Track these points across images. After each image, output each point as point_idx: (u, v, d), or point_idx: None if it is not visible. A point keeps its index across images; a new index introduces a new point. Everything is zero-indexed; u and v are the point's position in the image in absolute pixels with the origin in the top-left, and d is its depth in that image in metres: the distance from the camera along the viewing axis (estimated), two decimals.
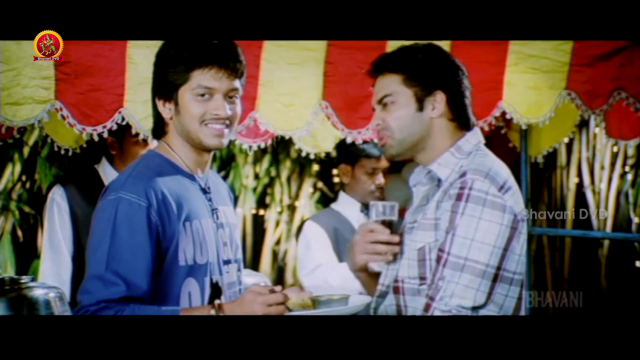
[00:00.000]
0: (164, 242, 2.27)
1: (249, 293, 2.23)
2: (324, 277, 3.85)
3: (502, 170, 2.34)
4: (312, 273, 3.92)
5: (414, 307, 2.34)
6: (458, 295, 2.23)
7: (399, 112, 2.38)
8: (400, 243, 2.39)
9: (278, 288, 2.25)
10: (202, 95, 2.32)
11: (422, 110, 2.38)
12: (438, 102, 2.38)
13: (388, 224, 2.42)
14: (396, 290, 2.39)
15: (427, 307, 2.26)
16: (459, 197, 2.27)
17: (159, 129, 2.41)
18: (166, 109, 2.36)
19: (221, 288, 2.38)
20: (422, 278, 2.32)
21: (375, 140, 3.78)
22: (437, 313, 2.23)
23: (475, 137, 2.42)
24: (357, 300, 2.41)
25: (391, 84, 2.40)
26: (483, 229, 2.24)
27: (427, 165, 2.41)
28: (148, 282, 2.23)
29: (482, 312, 2.24)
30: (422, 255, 2.32)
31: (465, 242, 2.24)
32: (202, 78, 2.31)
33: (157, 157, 2.39)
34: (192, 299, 2.32)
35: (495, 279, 2.25)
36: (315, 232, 4.00)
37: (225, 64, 2.32)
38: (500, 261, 2.26)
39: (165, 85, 2.34)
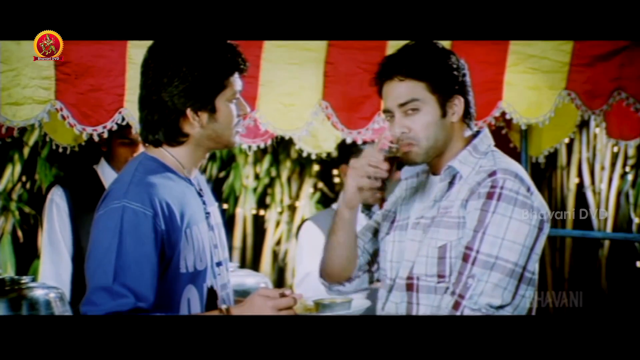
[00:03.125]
0: (168, 250, 2.21)
1: (258, 297, 2.20)
2: (315, 284, 3.83)
3: (526, 173, 2.37)
4: (301, 282, 3.91)
5: (427, 304, 2.34)
6: (487, 294, 2.23)
7: (425, 120, 2.36)
8: (389, 171, 2.34)
9: (288, 292, 2.23)
10: (235, 99, 2.33)
11: (445, 117, 2.38)
12: (457, 106, 2.38)
13: (388, 159, 2.37)
14: (409, 288, 2.38)
15: (457, 305, 2.25)
16: (489, 196, 2.27)
17: (172, 139, 2.31)
18: (195, 121, 2.28)
19: (216, 292, 2.36)
20: (441, 276, 2.32)
21: (376, 141, 3.80)
22: (467, 311, 2.23)
23: (487, 138, 2.44)
24: (359, 304, 2.41)
25: (415, 90, 2.37)
26: (514, 228, 2.25)
27: (438, 165, 2.40)
28: (154, 293, 2.17)
29: (501, 312, 2.25)
30: (443, 253, 2.32)
31: (496, 241, 2.24)
32: (236, 84, 2.32)
33: (153, 162, 2.31)
34: (191, 306, 2.28)
35: (521, 278, 2.26)
36: (311, 236, 3.98)
37: (245, 67, 2.34)
38: (526, 261, 2.27)
39: (201, 95, 2.26)
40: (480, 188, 2.30)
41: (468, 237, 2.28)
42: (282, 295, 2.20)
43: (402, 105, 2.38)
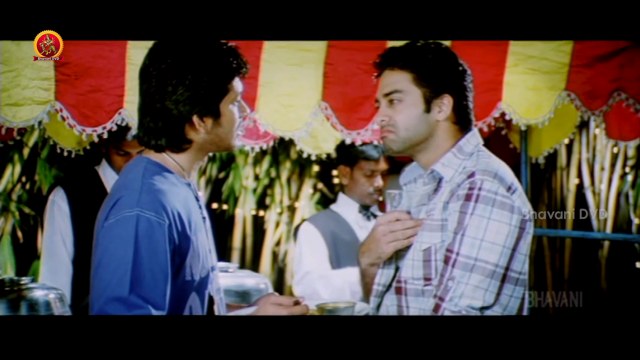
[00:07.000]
0: (177, 259, 2.19)
1: (272, 306, 2.22)
2: (312, 285, 3.84)
3: (508, 171, 2.35)
4: (301, 281, 3.91)
5: (417, 307, 2.34)
6: (468, 295, 2.23)
7: (407, 112, 2.38)
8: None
9: (302, 299, 2.24)
10: (237, 101, 2.32)
11: (429, 112, 2.39)
12: (445, 105, 2.39)
13: (408, 212, 2.44)
14: (398, 291, 2.39)
15: (437, 307, 2.26)
16: (468, 198, 2.27)
17: (176, 145, 2.28)
18: (201, 127, 2.25)
19: (213, 297, 2.34)
20: (427, 279, 2.32)
21: (375, 142, 3.81)
22: (447, 313, 2.23)
23: (475, 138, 2.43)
24: (362, 307, 2.41)
25: (400, 81, 2.39)
26: (493, 229, 2.25)
27: (428, 165, 2.41)
28: (168, 303, 2.15)
29: (488, 313, 2.24)
30: (428, 256, 2.33)
31: (475, 242, 2.24)
32: (237, 86, 2.31)
33: (157, 167, 2.27)
34: (193, 313, 2.26)
35: (503, 279, 2.26)
36: (310, 236, 3.98)
37: (246, 69, 2.33)
38: (509, 261, 2.26)
39: (207, 101, 2.24)
40: (460, 190, 2.30)
41: (449, 239, 2.28)
42: (297, 304, 2.21)
43: (386, 95, 2.41)
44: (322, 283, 3.81)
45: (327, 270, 3.88)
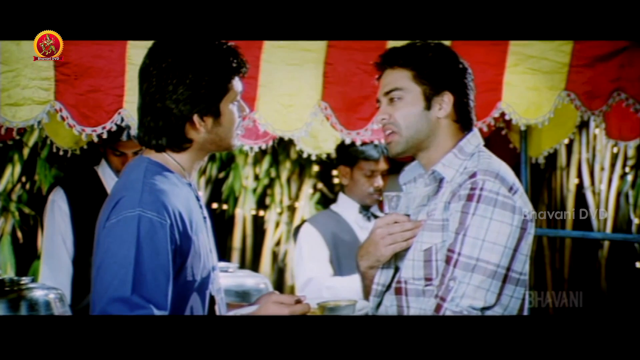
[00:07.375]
0: (178, 259, 2.18)
1: (273, 304, 2.21)
2: (317, 291, 3.82)
3: (509, 172, 2.36)
4: (304, 288, 3.90)
5: (417, 307, 2.34)
6: (469, 296, 2.23)
7: (407, 110, 2.39)
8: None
9: (303, 298, 2.24)
10: (237, 101, 2.32)
11: (429, 109, 2.39)
12: (445, 102, 2.39)
13: (406, 215, 2.43)
14: (398, 291, 2.39)
15: (439, 307, 2.25)
16: (469, 198, 2.27)
17: (176, 145, 2.27)
18: (202, 126, 2.25)
19: (214, 297, 2.34)
20: (428, 279, 2.32)
21: (375, 142, 3.81)
22: (448, 314, 2.23)
23: (475, 139, 2.43)
24: (363, 305, 2.41)
25: (401, 79, 2.40)
26: (494, 229, 2.25)
27: (429, 165, 2.41)
28: (169, 303, 2.15)
29: (488, 313, 2.24)
30: (429, 256, 2.33)
31: (476, 242, 2.24)
32: (237, 85, 2.31)
33: (159, 167, 2.26)
34: (194, 313, 2.26)
35: (504, 279, 2.26)
36: (310, 238, 3.97)
37: (246, 69, 2.33)
38: (510, 262, 2.26)
39: (207, 100, 2.25)
40: (461, 190, 2.30)
41: (450, 239, 2.28)
42: (298, 302, 2.21)
43: (386, 93, 2.42)
44: (329, 294, 3.80)
45: (332, 279, 3.87)
